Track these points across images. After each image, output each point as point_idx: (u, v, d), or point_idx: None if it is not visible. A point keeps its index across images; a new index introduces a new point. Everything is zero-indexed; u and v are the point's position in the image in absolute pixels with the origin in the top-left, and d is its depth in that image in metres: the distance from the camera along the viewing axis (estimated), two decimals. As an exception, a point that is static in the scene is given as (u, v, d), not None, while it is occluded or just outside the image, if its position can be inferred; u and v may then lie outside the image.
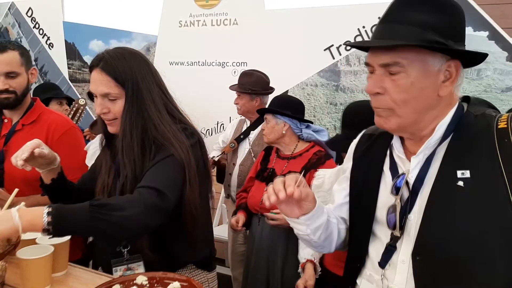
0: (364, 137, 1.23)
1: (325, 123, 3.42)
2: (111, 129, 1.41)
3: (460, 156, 0.98)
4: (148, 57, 4.13)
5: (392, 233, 1.05)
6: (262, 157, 2.45)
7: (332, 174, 1.79)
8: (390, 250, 1.06)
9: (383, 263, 1.08)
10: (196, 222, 1.37)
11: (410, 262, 1.01)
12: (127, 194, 1.31)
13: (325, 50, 3.30)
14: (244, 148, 2.86)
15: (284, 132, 2.27)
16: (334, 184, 1.30)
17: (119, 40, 4.33)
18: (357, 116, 1.77)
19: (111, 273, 1.39)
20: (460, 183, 0.95)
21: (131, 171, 1.32)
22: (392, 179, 1.08)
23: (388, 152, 1.13)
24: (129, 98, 1.34)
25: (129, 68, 1.35)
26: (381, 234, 1.10)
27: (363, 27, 3.12)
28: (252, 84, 2.85)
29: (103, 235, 1.26)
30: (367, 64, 1.03)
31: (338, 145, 1.94)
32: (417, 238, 1.00)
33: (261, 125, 2.57)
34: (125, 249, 1.40)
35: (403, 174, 1.06)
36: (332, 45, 3.28)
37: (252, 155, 2.80)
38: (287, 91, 3.52)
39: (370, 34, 3.19)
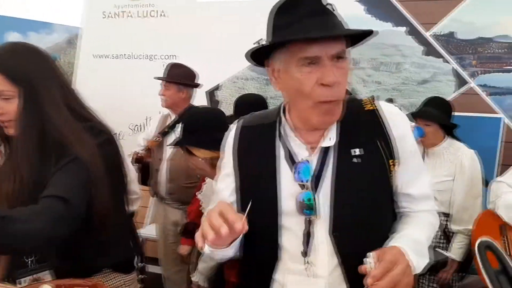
0: (243, 130, 1.18)
1: (257, 117, 3.43)
2: (8, 131, 1.29)
3: (351, 136, 1.08)
4: (70, 50, 4.01)
5: (308, 220, 1.07)
6: None
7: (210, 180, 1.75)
8: (308, 236, 1.08)
9: (307, 250, 1.08)
10: (108, 226, 1.29)
11: (329, 241, 1.07)
12: (30, 203, 1.20)
13: (255, 43, 3.29)
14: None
15: None
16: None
17: (37, 32, 4.03)
18: (249, 106, 1.93)
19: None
20: (355, 160, 1.07)
21: (30, 177, 1.22)
22: (292, 168, 1.09)
23: (278, 143, 1.13)
24: (24, 97, 1.23)
25: (24, 64, 1.24)
26: (292, 224, 1.10)
27: (291, 21, 3.15)
28: (180, 75, 2.80)
29: (6, 250, 1.16)
30: (306, 57, 0.98)
31: None
32: (333, 216, 1.06)
33: None
34: (30, 259, 1.29)
35: (305, 161, 1.08)
36: (262, 39, 3.27)
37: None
38: (218, 85, 3.49)
39: (297, 28, 3.26)
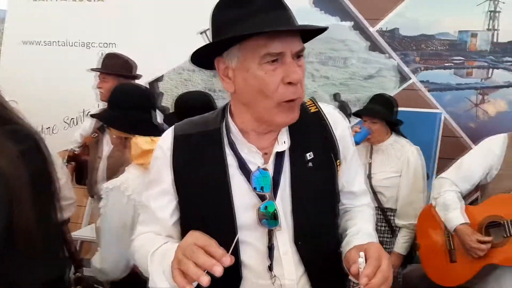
0: (178, 140, 1.07)
1: (203, 110, 3.32)
2: None
3: (301, 140, 1.06)
4: (-6, 35, 3.64)
5: (269, 231, 1.02)
6: None
7: None
8: (272, 249, 1.02)
9: (273, 264, 1.02)
10: (33, 242, 1.14)
11: (293, 250, 1.04)
12: None
13: (200, 33, 3.17)
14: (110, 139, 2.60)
15: None
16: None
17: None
18: (189, 106, 1.92)
19: None
20: (310, 164, 1.05)
21: None
22: (248, 177, 1.02)
23: (228, 151, 1.04)
24: None
25: None
26: (251, 239, 1.02)
27: (238, 11, 3.05)
28: (120, 67, 2.64)
29: None
30: (270, 53, 0.91)
31: None
32: (294, 226, 1.03)
33: None
34: None
35: (262, 169, 1.02)
36: (208, 29, 3.15)
37: (123, 146, 2.56)
38: (162, 76, 3.32)
39: (244, 19, 3.17)
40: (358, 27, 2.99)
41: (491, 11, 2.78)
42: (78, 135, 2.78)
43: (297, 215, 1.03)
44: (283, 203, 1.03)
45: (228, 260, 0.80)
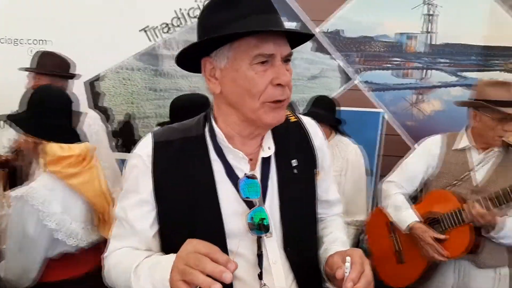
0: (158, 147, 1.02)
1: (146, 111, 3.18)
2: None
3: (286, 147, 1.06)
4: None
5: (260, 239, 0.99)
6: None
7: None
8: (261, 257, 1.00)
9: (262, 272, 0.99)
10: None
11: (283, 257, 1.03)
12: None
13: (140, 31, 3.04)
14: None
15: None
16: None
17: None
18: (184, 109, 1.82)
19: None
20: (295, 170, 1.06)
21: None
22: (236, 184, 1.00)
23: (214, 157, 1.02)
24: None
25: None
26: (240, 247, 0.97)
27: (180, 9, 2.97)
28: (55, 66, 2.46)
29: None
30: (262, 54, 0.92)
31: None
32: (284, 232, 1.03)
33: None
34: None
35: (249, 175, 1.00)
36: (148, 26, 3.04)
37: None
38: (98, 75, 3.15)
39: (187, 17, 3.10)
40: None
41: (427, 15, 2.92)
42: (5, 139, 2.54)
43: (285, 221, 1.03)
44: (271, 209, 1.02)
45: (234, 265, 0.78)
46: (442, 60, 2.96)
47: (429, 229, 1.93)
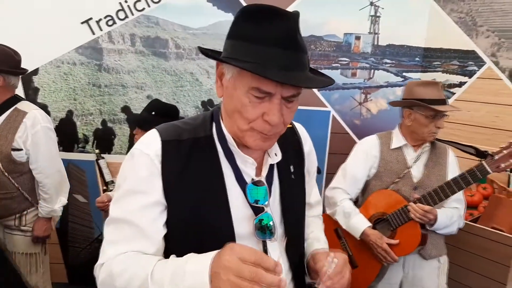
0: (166, 146, 0.97)
1: (89, 107, 3.01)
2: None
3: (285, 153, 1.08)
4: None
5: (264, 242, 1.02)
6: None
7: None
8: None
9: None
10: None
11: (284, 260, 1.07)
12: None
13: (82, 23, 2.86)
14: None
15: None
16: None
17: None
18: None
19: None
20: (293, 176, 1.10)
21: None
22: (244, 189, 1.00)
23: (224, 161, 1.00)
24: None
25: None
26: None
27: (126, 1, 2.83)
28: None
29: None
30: (259, 90, 0.88)
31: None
32: (286, 235, 1.07)
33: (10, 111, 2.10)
34: None
35: (256, 181, 1.01)
36: (91, 18, 2.87)
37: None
38: (37, 69, 2.93)
39: (134, 9, 2.96)
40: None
41: (372, 16, 3.00)
42: None
43: (287, 225, 1.07)
44: (275, 214, 1.05)
45: (280, 267, 0.77)
46: (387, 61, 3.06)
47: (382, 236, 1.98)
